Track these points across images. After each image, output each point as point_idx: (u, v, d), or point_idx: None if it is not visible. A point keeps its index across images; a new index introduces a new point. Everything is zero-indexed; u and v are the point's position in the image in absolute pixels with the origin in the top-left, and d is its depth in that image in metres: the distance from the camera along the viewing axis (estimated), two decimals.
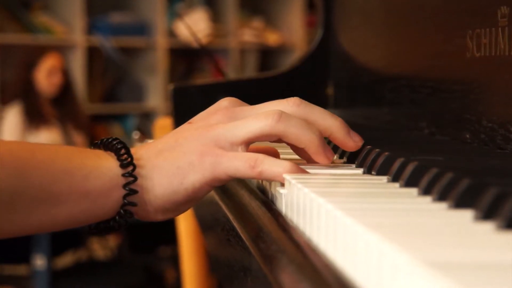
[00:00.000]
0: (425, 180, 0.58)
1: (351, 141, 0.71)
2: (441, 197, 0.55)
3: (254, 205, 0.69)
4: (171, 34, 4.66)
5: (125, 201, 0.69)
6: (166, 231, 2.38)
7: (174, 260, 2.85)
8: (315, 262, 0.50)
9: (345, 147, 0.72)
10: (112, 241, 3.63)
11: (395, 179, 0.63)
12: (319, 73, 1.32)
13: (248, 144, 0.70)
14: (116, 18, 4.52)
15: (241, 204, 0.72)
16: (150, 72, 4.65)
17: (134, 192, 0.68)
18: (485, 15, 0.78)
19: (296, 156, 0.74)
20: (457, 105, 0.85)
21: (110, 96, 4.64)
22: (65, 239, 3.22)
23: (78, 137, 3.62)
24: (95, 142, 0.73)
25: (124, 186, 0.68)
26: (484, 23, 0.78)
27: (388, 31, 1.10)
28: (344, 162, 0.76)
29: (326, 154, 0.70)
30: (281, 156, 0.76)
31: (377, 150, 0.70)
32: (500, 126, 0.76)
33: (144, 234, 3.43)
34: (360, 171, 0.70)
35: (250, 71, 4.97)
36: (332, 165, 0.72)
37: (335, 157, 0.76)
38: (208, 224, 0.92)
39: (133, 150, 0.70)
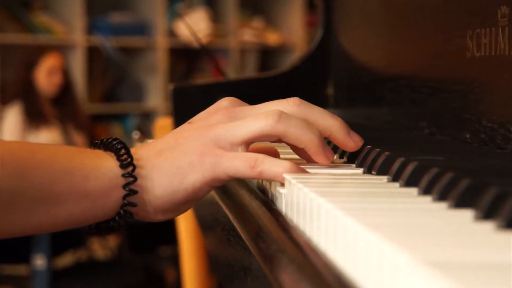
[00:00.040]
0: (425, 180, 0.58)
1: (351, 141, 0.71)
2: (441, 197, 0.55)
3: (254, 205, 0.69)
4: (171, 34, 4.66)
5: (125, 201, 0.69)
6: (166, 231, 2.38)
7: (174, 260, 2.86)
8: (315, 262, 0.50)
9: (345, 147, 0.72)
10: (112, 241, 3.64)
11: (395, 179, 0.63)
12: (319, 73, 1.32)
13: (248, 144, 0.70)
14: (116, 18, 4.52)
15: (241, 204, 0.72)
16: (150, 72, 4.65)
17: (134, 192, 0.68)
18: (485, 15, 0.78)
19: (296, 156, 0.74)
20: (457, 105, 0.85)
21: (110, 96, 4.64)
22: (65, 239, 3.22)
23: (78, 137, 3.62)
24: (95, 142, 0.73)
25: (124, 186, 0.68)
26: (484, 23, 0.78)
27: (388, 31, 1.10)
28: (344, 162, 0.76)
29: (326, 154, 0.70)
30: (281, 156, 0.76)
31: (377, 150, 0.70)
32: (500, 126, 0.76)
33: (144, 234, 3.43)
34: (360, 171, 0.70)
35: (250, 71, 4.98)
36: (332, 165, 0.72)
37: (335, 157, 0.76)
38: (208, 224, 0.92)
39: (133, 150, 0.70)
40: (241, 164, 0.67)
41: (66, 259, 3.39)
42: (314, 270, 0.49)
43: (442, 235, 0.46)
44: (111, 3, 4.62)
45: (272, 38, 5.04)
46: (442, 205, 0.53)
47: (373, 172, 0.68)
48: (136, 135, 1.69)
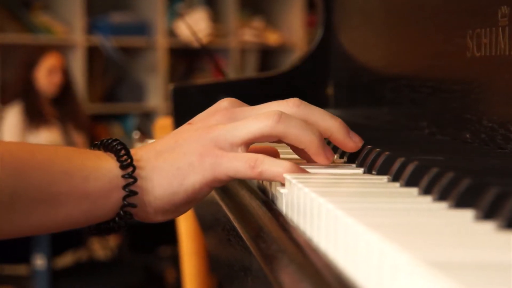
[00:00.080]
0: (425, 180, 0.58)
1: (351, 142, 0.71)
2: (441, 197, 0.55)
3: (254, 205, 0.69)
4: (171, 34, 4.66)
5: (125, 202, 0.68)
6: (166, 231, 2.38)
7: (174, 260, 2.86)
8: (315, 262, 0.50)
9: (345, 148, 0.72)
10: (112, 241, 3.63)
11: (395, 178, 0.63)
12: (320, 73, 1.32)
13: (248, 145, 0.69)
14: (116, 18, 4.52)
15: (241, 204, 0.72)
16: (150, 72, 4.65)
17: (134, 193, 0.68)
18: (485, 15, 0.78)
19: (296, 156, 0.74)
20: (457, 105, 0.85)
21: (110, 96, 4.64)
22: (65, 239, 3.22)
23: (78, 137, 3.62)
24: (95, 143, 0.73)
25: (124, 187, 0.68)
26: (484, 23, 0.78)
27: (389, 31, 1.10)
28: (345, 162, 0.76)
29: (326, 154, 0.70)
30: (281, 156, 0.76)
31: (377, 150, 0.70)
32: (501, 126, 0.76)
33: (144, 234, 3.43)
34: (360, 170, 0.70)
35: (250, 71, 4.98)
36: (333, 164, 0.72)
37: (335, 157, 0.76)
38: (209, 224, 0.92)
39: (133, 151, 0.70)
40: (241, 164, 0.67)
41: (66, 259, 3.39)
42: (315, 270, 0.49)
43: (442, 235, 0.46)
44: (111, 3, 4.62)
45: (272, 38, 5.04)
46: (443, 205, 0.53)
47: (373, 172, 0.68)
48: (136, 135, 1.69)
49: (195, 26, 4.39)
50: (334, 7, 1.30)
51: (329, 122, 0.71)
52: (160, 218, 0.71)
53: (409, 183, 0.61)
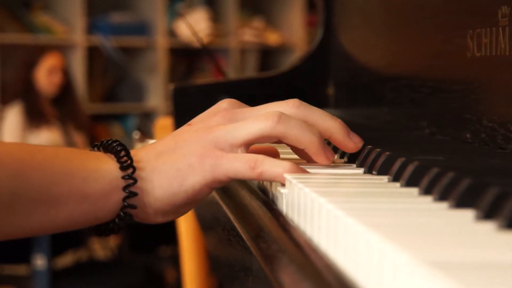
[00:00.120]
0: (426, 180, 0.58)
1: (351, 143, 0.71)
2: (442, 197, 0.55)
3: (255, 205, 0.69)
4: (172, 34, 4.66)
5: (125, 203, 0.68)
6: (167, 231, 2.38)
7: (175, 260, 2.86)
8: (315, 262, 0.50)
9: (345, 149, 0.72)
10: (113, 241, 3.63)
11: (395, 179, 0.63)
12: (320, 73, 1.32)
13: (248, 146, 0.69)
14: (117, 18, 4.52)
15: (241, 204, 0.72)
16: (151, 72, 4.65)
17: (134, 194, 0.68)
18: (485, 15, 0.78)
19: (296, 156, 0.74)
20: (457, 105, 0.85)
21: (111, 96, 4.64)
22: (65, 239, 3.22)
23: (79, 137, 3.62)
24: (95, 144, 0.73)
25: (124, 188, 0.68)
26: (484, 22, 0.78)
27: (389, 31, 1.10)
28: (345, 162, 0.76)
29: (326, 154, 0.70)
30: (281, 156, 0.76)
31: (377, 150, 0.70)
32: (501, 126, 0.76)
33: (144, 234, 3.43)
34: (360, 170, 0.70)
35: (251, 71, 4.98)
36: (333, 164, 0.72)
37: (336, 157, 0.76)
38: (209, 224, 0.92)
39: (133, 152, 0.70)
40: (241, 165, 0.67)
41: (66, 259, 3.39)
42: (315, 270, 0.49)
43: (442, 235, 0.46)
44: (111, 3, 4.62)
45: (272, 38, 5.04)
46: (443, 205, 0.53)
47: (373, 172, 0.68)
48: (136, 135, 1.69)
49: (195, 26, 4.39)
50: (334, 7, 1.30)
51: (329, 123, 0.71)
52: (160, 219, 0.71)
53: (410, 183, 0.61)
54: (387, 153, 0.68)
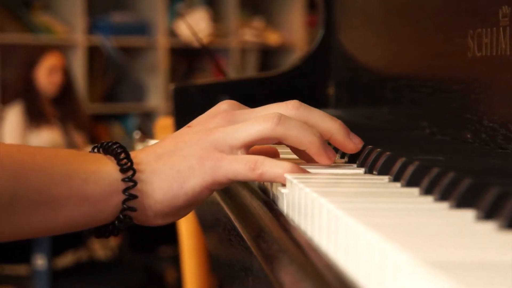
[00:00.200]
0: (426, 180, 0.58)
1: (351, 143, 0.71)
2: (442, 197, 0.55)
3: (255, 205, 0.69)
4: (172, 33, 4.66)
5: (125, 206, 0.68)
6: (167, 231, 2.37)
7: (175, 260, 2.85)
8: (316, 262, 0.50)
9: (345, 149, 0.72)
10: (113, 241, 3.63)
11: (396, 179, 0.63)
12: (320, 72, 1.32)
13: (248, 148, 0.69)
14: (117, 17, 4.52)
15: (242, 204, 0.72)
16: (151, 71, 4.65)
17: (134, 197, 0.68)
18: (486, 14, 0.78)
19: (296, 156, 0.74)
20: (458, 105, 0.85)
21: (111, 96, 4.64)
22: (65, 239, 3.22)
23: (79, 137, 3.62)
24: (95, 146, 0.72)
25: (124, 191, 0.68)
26: (485, 22, 0.78)
27: (389, 30, 1.10)
28: (346, 162, 0.76)
29: (328, 154, 0.70)
30: (281, 156, 0.76)
31: (378, 150, 0.70)
32: (501, 126, 0.76)
33: (144, 234, 3.43)
34: (361, 170, 0.70)
35: (251, 71, 4.98)
36: (333, 164, 0.72)
37: (337, 157, 0.76)
38: (209, 224, 0.92)
39: (132, 154, 0.70)
40: (241, 166, 0.67)
41: (66, 259, 3.39)
42: (315, 270, 0.49)
43: (443, 235, 0.46)
44: (111, 3, 4.62)
45: (273, 38, 5.04)
46: (444, 205, 0.53)
47: (374, 172, 0.68)
48: (137, 135, 1.69)
49: (195, 26, 4.39)
50: (335, 7, 1.30)
51: (329, 124, 0.71)
52: (160, 222, 0.71)
53: (410, 183, 0.61)
54: (388, 153, 0.68)
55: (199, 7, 4.79)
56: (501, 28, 0.76)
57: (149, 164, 0.69)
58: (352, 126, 0.72)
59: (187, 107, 1.26)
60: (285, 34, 5.06)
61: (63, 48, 4.06)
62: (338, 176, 0.68)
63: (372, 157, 0.70)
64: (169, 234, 2.20)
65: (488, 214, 0.49)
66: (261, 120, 0.68)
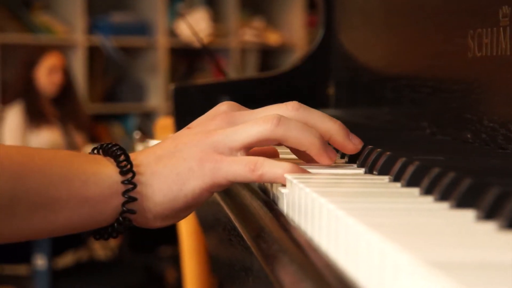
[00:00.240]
0: (426, 180, 0.58)
1: (351, 144, 0.71)
2: (442, 197, 0.55)
3: (255, 205, 0.69)
4: (172, 33, 4.66)
5: (124, 208, 0.68)
6: (167, 231, 2.37)
7: (175, 260, 2.85)
8: (316, 262, 0.50)
9: (345, 150, 0.72)
10: (113, 241, 3.63)
11: (396, 179, 0.63)
12: (320, 72, 1.32)
13: (248, 149, 0.69)
14: (117, 17, 4.52)
15: (242, 204, 0.72)
16: (151, 71, 4.65)
17: (133, 199, 0.68)
18: (486, 15, 0.78)
19: (295, 156, 0.74)
20: (458, 105, 0.85)
21: (111, 96, 4.64)
22: (65, 239, 3.22)
23: (79, 137, 3.62)
24: (95, 147, 0.72)
25: (124, 193, 0.68)
26: (485, 22, 0.78)
27: (389, 31, 1.10)
28: (346, 162, 0.76)
29: (328, 154, 0.70)
30: (281, 156, 0.76)
31: (378, 150, 0.70)
32: (502, 126, 0.76)
33: (144, 234, 3.42)
34: (361, 171, 0.70)
35: (251, 71, 4.98)
36: (334, 165, 0.72)
37: (337, 157, 0.76)
38: (209, 224, 0.92)
39: (132, 156, 0.70)
40: (241, 168, 0.67)
41: (66, 259, 3.39)
42: (316, 270, 0.49)
43: (443, 235, 0.46)
44: (111, 3, 4.62)
45: (273, 38, 5.04)
46: (444, 205, 0.53)
47: (374, 172, 0.68)
48: (137, 135, 1.69)
49: (195, 26, 4.39)
50: (335, 7, 1.30)
51: (329, 125, 0.70)
52: (159, 224, 0.71)
53: (410, 183, 0.61)
54: (388, 153, 0.68)
55: (199, 7, 4.79)
56: (501, 28, 0.76)
57: (148, 166, 0.69)
58: (352, 126, 0.72)
59: (187, 107, 1.26)
60: (285, 34, 5.06)
61: (63, 48, 4.06)
62: (338, 176, 0.68)
63: (372, 157, 0.70)
64: (169, 234, 2.20)
65: (488, 214, 0.49)
66: (260, 122, 0.68)
